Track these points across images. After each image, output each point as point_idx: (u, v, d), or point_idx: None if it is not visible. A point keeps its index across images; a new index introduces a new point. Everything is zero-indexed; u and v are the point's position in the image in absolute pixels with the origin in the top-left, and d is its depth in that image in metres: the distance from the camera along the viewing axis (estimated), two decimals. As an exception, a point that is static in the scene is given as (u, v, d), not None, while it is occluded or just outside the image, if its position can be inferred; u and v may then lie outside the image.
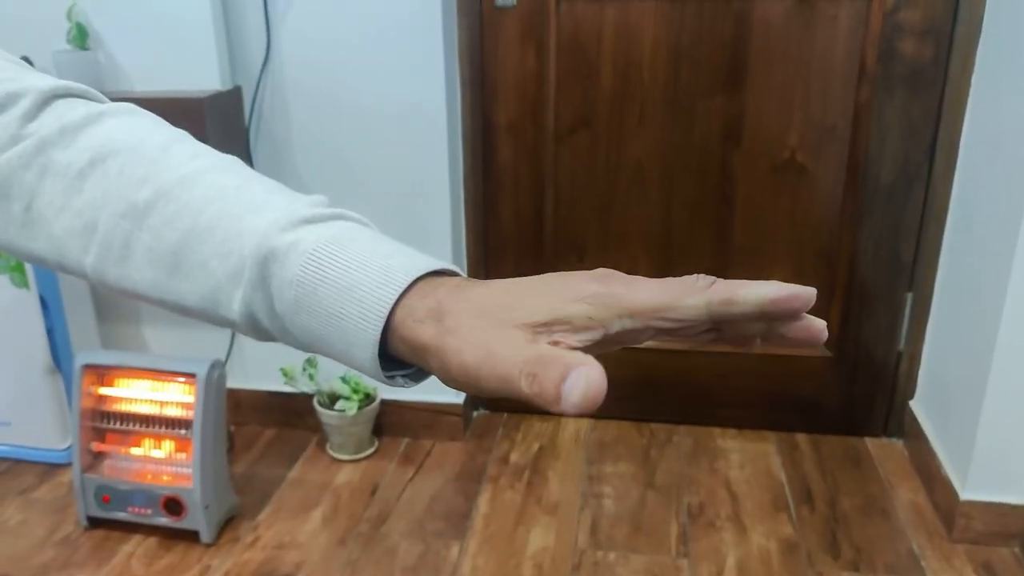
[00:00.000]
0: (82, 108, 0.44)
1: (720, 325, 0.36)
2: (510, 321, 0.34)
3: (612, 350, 0.37)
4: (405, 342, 0.36)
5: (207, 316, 0.41)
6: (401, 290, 0.36)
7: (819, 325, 0.36)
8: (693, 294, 0.34)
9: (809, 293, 0.34)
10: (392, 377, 0.39)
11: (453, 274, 0.39)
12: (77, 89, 0.45)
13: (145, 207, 0.40)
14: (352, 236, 0.38)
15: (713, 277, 0.35)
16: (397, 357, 0.38)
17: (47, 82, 0.44)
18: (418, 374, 0.40)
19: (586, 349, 0.35)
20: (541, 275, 0.36)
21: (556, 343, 0.34)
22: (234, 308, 0.39)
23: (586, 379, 0.31)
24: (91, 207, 0.41)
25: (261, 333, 0.41)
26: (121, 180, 0.41)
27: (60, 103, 0.44)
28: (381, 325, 0.36)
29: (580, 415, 0.32)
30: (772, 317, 0.35)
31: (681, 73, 1.81)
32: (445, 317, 0.35)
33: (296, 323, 0.38)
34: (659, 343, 0.38)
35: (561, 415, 0.35)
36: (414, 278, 0.37)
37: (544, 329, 0.34)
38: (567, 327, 0.34)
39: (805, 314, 0.35)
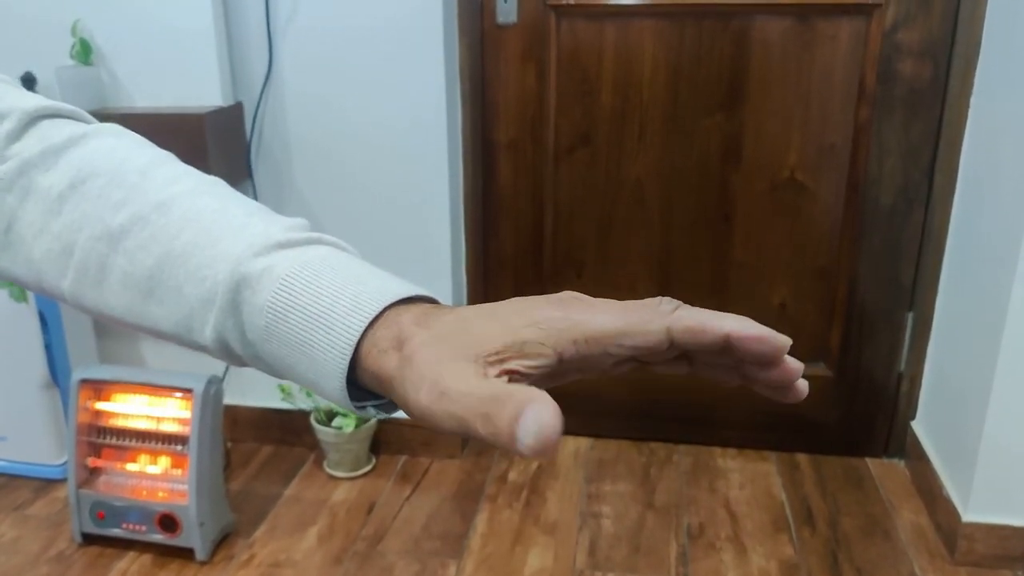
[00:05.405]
0: (66, 129, 0.43)
1: (689, 355, 0.34)
2: (463, 351, 0.32)
3: (575, 379, 0.35)
4: (371, 373, 0.35)
5: (181, 341, 0.40)
6: (370, 319, 0.35)
7: (793, 376, 0.33)
8: (653, 320, 0.32)
9: (780, 341, 0.32)
10: (363, 407, 0.38)
11: (429, 300, 0.37)
12: (63, 109, 0.45)
13: (120, 231, 0.40)
14: (326, 262, 0.37)
15: (678, 302, 0.33)
16: (367, 387, 0.37)
17: (32, 102, 0.44)
18: (390, 405, 0.38)
19: (542, 378, 0.32)
20: (505, 300, 0.35)
21: (509, 372, 0.32)
22: (206, 334, 0.39)
23: (536, 420, 0.28)
24: (69, 230, 0.41)
25: (234, 359, 0.40)
26: (99, 203, 0.41)
27: (45, 123, 0.44)
28: (349, 355, 0.35)
29: (538, 458, 0.31)
30: (739, 356, 0.33)
31: (681, 92, 1.81)
32: (405, 346, 0.33)
33: (267, 350, 0.37)
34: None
35: (521, 456, 0.32)
36: (384, 306, 0.35)
37: (496, 358, 0.32)
38: (518, 354, 0.32)
39: (787, 363, 0.33)
